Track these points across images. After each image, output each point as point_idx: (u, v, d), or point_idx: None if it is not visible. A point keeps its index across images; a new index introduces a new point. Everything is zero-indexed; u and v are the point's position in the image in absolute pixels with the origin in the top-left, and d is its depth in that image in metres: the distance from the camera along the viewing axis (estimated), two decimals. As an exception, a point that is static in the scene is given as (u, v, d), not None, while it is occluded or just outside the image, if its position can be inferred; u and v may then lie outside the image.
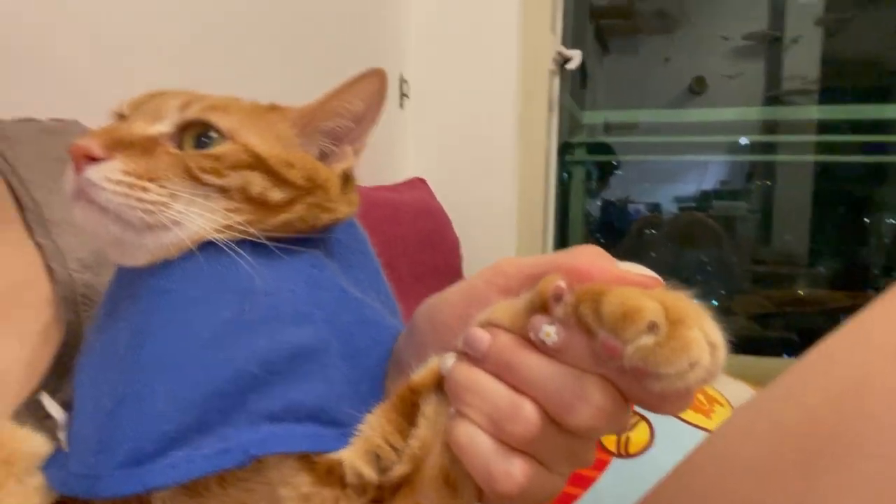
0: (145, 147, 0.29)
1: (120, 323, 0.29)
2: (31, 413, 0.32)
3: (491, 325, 0.27)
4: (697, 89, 3.13)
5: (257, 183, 0.30)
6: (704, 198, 2.74)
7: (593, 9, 2.81)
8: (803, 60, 2.83)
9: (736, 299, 1.94)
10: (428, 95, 1.46)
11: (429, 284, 1.11)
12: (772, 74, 2.94)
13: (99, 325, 0.31)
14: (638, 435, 0.83)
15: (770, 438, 0.26)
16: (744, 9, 2.97)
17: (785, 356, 1.30)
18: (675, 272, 2.38)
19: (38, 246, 0.38)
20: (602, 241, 2.32)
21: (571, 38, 2.23)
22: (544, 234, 1.43)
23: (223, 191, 0.30)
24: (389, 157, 1.43)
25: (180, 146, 0.30)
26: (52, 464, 0.28)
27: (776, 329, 1.83)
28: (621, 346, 0.23)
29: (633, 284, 0.26)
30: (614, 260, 0.28)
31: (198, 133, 0.30)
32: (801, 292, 2.07)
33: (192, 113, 0.30)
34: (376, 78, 0.33)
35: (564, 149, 1.81)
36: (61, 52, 0.61)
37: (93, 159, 0.28)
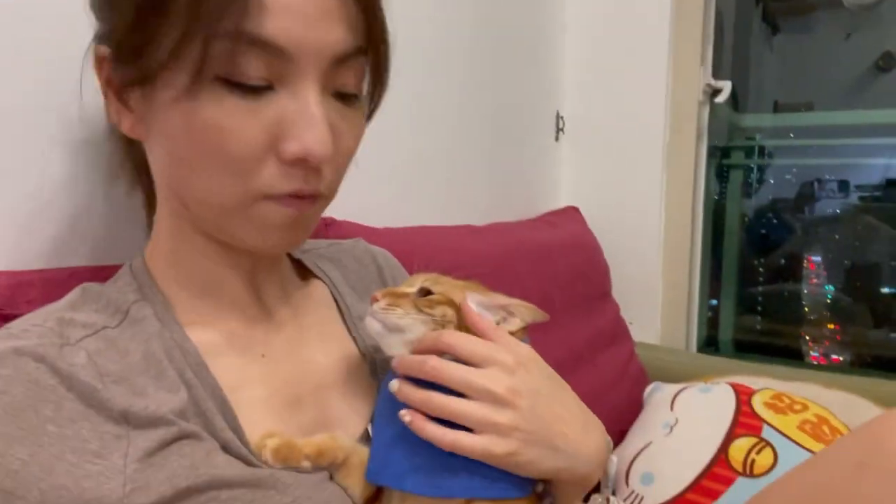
0: (401, 296, 0.53)
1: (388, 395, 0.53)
2: (364, 438, 0.55)
3: None
4: (884, 66, 2.86)
5: (450, 314, 0.51)
6: (891, 186, 2.53)
7: (759, -9, 2.68)
8: None
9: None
10: (581, 128, 1.62)
11: (581, 312, 1.29)
12: (978, 45, 2.61)
13: (381, 391, 0.55)
14: (763, 458, 0.96)
15: None
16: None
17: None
18: (845, 277, 2.26)
19: (353, 338, 0.62)
20: (761, 245, 2.28)
21: (735, 25, 2.20)
22: (690, 261, 1.53)
23: (433, 319, 0.52)
24: (545, 186, 1.62)
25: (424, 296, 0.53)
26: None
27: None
28: None
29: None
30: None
31: (427, 293, 0.53)
32: None
33: (425, 284, 0.53)
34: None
35: (721, 153, 1.85)
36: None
37: (376, 300, 0.53)
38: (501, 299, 0.54)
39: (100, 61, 0.47)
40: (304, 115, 0.45)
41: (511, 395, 0.47)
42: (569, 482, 0.50)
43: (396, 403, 0.51)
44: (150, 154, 0.51)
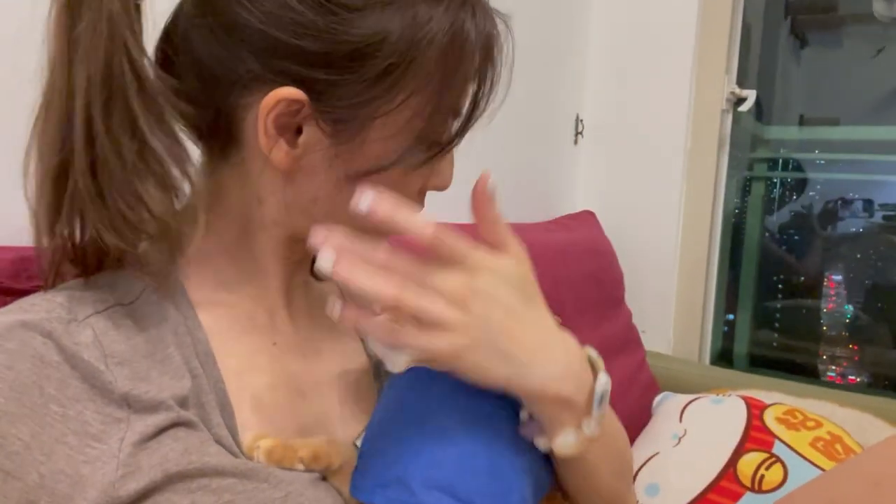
0: None
1: (386, 406, 0.51)
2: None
3: None
4: (916, 83, 2.81)
5: None
6: (919, 204, 2.48)
7: (789, 4, 2.66)
8: None
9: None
10: (601, 132, 1.61)
11: (593, 317, 1.27)
12: None
13: (384, 397, 0.53)
14: (772, 474, 0.94)
15: None
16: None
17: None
18: (865, 297, 2.22)
19: (361, 339, 0.61)
20: (781, 260, 2.25)
21: (762, 37, 2.17)
22: (707, 271, 1.51)
23: None
24: (562, 189, 1.60)
25: None
26: None
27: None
28: None
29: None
30: None
31: None
32: None
33: None
34: None
35: (744, 164, 1.82)
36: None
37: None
38: None
39: (277, 101, 0.44)
40: (449, 159, 0.53)
41: (466, 295, 0.43)
42: (529, 395, 0.47)
43: (390, 415, 0.49)
44: (269, 180, 0.49)
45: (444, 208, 1.14)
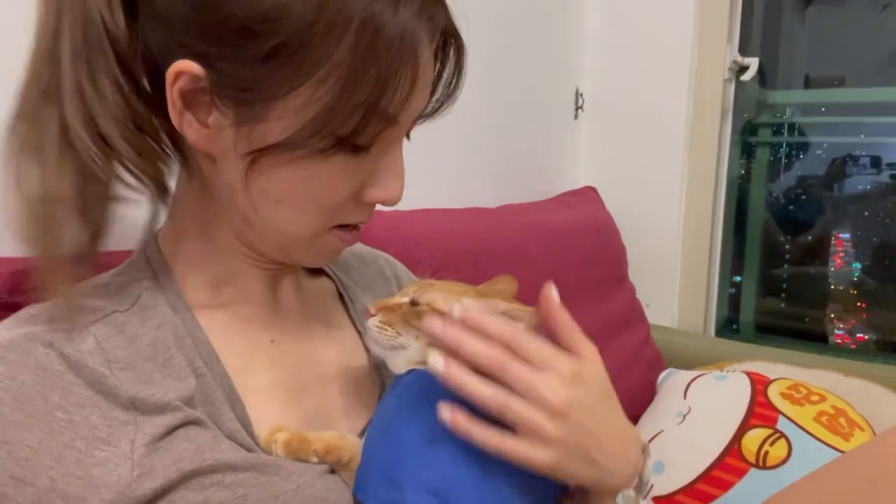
0: (393, 309, 0.52)
1: (386, 405, 0.52)
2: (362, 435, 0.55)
3: None
4: (924, 38, 2.75)
5: None
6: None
7: (793, -40, 2.58)
8: None
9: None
10: (601, 106, 1.58)
11: (595, 296, 1.28)
12: None
13: (386, 397, 0.54)
14: (776, 450, 0.94)
15: None
16: None
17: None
18: (873, 255, 2.20)
19: (358, 332, 0.62)
20: (788, 225, 2.23)
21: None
22: (711, 243, 1.50)
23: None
24: (563, 166, 1.59)
25: (412, 307, 0.52)
26: None
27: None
28: None
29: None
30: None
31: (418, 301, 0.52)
32: None
33: (415, 294, 0.52)
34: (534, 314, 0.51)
35: (747, 130, 1.79)
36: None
37: (370, 314, 0.52)
38: (501, 305, 0.52)
39: (179, 74, 0.43)
40: (393, 167, 0.50)
41: (566, 408, 0.45)
42: (599, 492, 0.50)
43: (389, 415, 0.50)
44: (203, 166, 0.49)
45: (435, 195, 1.14)
